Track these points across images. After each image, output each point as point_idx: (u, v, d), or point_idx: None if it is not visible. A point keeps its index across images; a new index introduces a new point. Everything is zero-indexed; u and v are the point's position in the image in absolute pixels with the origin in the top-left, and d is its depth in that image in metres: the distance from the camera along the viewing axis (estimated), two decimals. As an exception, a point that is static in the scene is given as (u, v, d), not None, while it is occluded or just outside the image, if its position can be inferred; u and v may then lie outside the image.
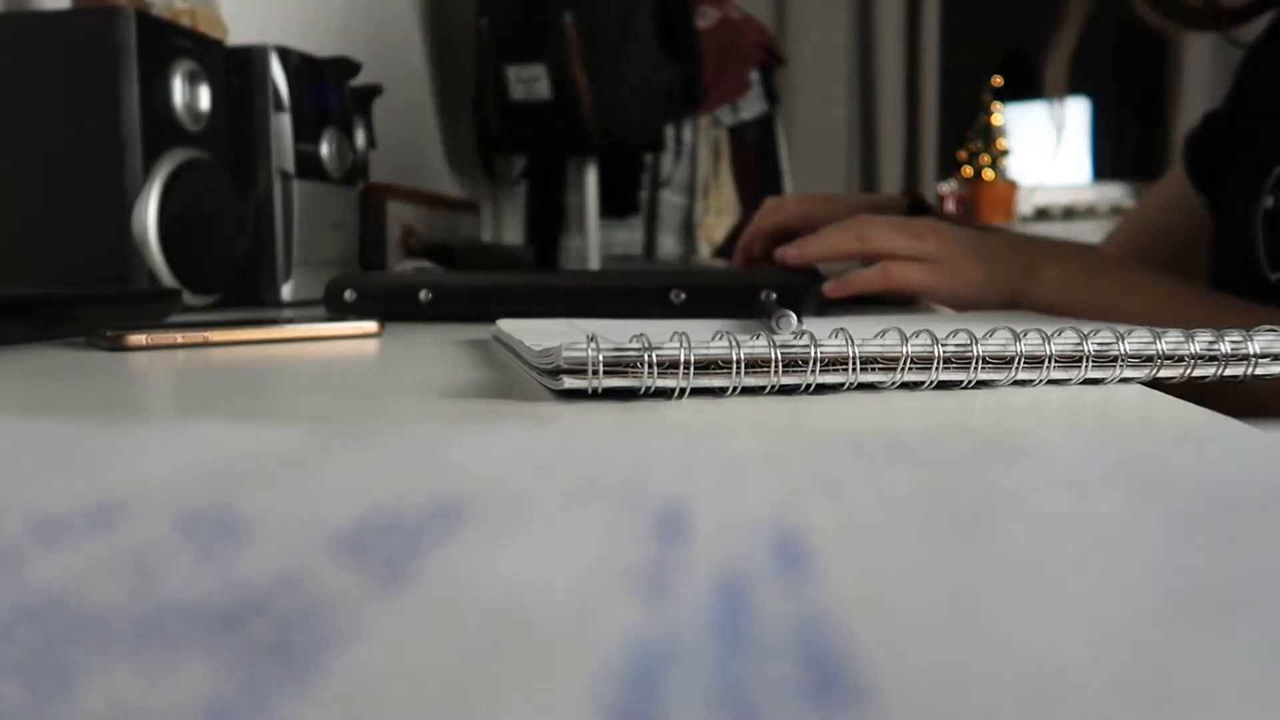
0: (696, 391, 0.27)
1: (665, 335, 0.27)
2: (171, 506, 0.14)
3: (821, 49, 2.72)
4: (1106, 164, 2.86)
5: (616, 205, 1.85)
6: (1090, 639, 0.09)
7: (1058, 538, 0.13)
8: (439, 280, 0.59)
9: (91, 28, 0.66)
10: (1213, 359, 0.30)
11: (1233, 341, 0.30)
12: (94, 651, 0.09)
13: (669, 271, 0.64)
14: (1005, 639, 0.09)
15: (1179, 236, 0.75)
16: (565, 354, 0.26)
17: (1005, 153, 2.79)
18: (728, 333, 0.27)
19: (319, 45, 0.90)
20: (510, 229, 1.96)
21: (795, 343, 0.27)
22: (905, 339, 0.28)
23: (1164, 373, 0.30)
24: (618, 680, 0.08)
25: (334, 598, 0.10)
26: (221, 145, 0.75)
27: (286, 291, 0.82)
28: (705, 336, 0.27)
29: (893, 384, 0.28)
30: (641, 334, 0.27)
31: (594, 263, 1.72)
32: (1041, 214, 2.81)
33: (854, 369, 0.27)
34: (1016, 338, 0.29)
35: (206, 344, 0.42)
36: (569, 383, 0.26)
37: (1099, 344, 0.29)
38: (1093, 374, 0.29)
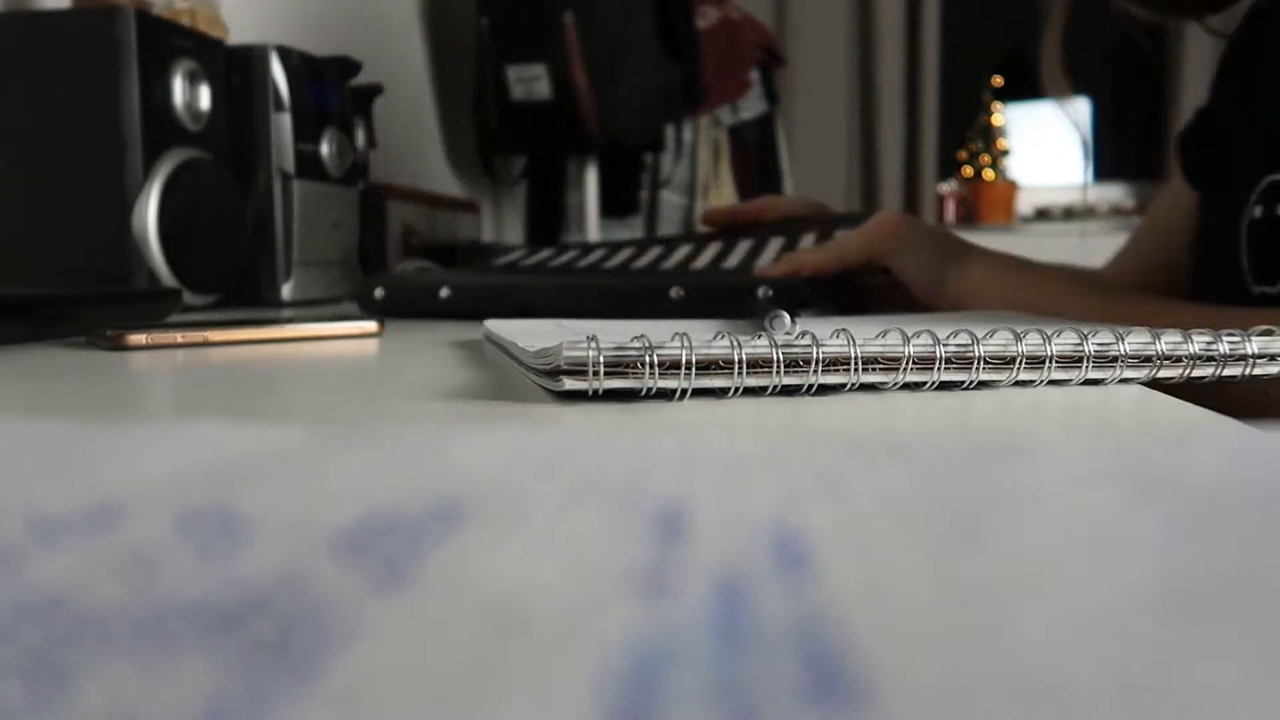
0: (697, 392, 0.27)
1: (665, 335, 0.27)
2: (171, 506, 0.14)
3: (821, 49, 2.72)
4: (1106, 164, 2.86)
5: (616, 205, 1.85)
6: (1090, 639, 0.09)
7: (1057, 538, 0.13)
8: (462, 280, 0.60)
9: (91, 28, 0.66)
10: (1210, 359, 0.30)
11: (1230, 342, 0.30)
12: (94, 651, 0.09)
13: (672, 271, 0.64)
14: (1005, 639, 0.09)
15: (1186, 238, 0.74)
16: (565, 354, 0.26)
17: (1005, 153, 2.79)
18: (729, 333, 0.27)
19: (319, 45, 0.90)
20: (510, 229, 1.96)
21: (797, 343, 0.27)
22: (907, 339, 0.28)
23: (1163, 373, 0.30)
24: (618, 680, 0.08)
25: (334, 598, 0.10)
26: (221, 145, 0.75)
27: (286, 291, 0.82)
28: (706, 337, 0.27)
29: (894, 385, 0.28)
30: (642, 334, 0.27)
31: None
32: (1042, 214, 2.81)
33: (856, 369, 0.27)
34: (1018, 338, 0.29)
35: (206, 344, 0.42)
36: (569, 384, 0.26)
37: (1099, 344, 0.29)
38: (1093, 374, 0.29)
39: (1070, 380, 0.30)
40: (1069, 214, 2.75)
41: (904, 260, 0.62)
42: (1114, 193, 2.80)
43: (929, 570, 0.11)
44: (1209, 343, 0.30)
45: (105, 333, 0.41)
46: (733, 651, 0.09)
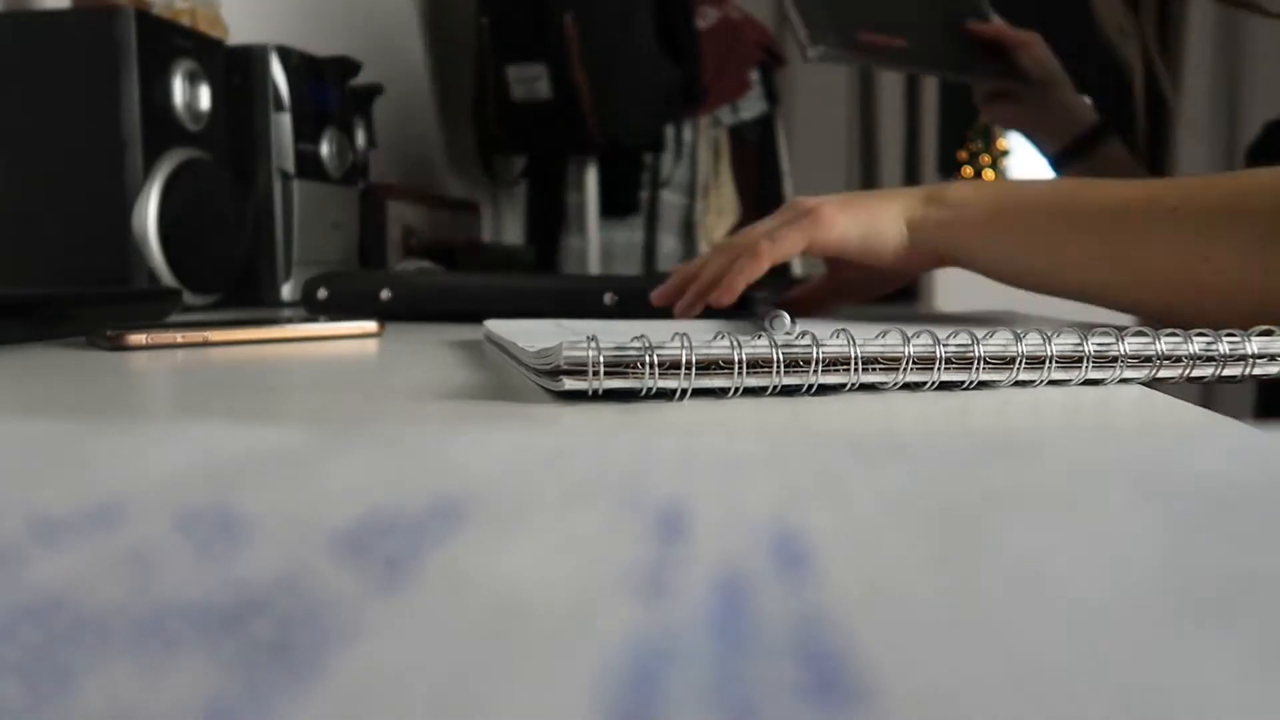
0: (697, 393, 0.27)
1: (665, 335, 0.27)
2: (171, 506, 0.14)
3: (821, 49, 2.72)
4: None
5: (616, 205, 1.85)
6: (1090, 639, 0.09)
7: (1057, 538, 0.13)
8: (404, 280, 0.60)
9: (91, 28, 0.66)
10: (1210, 359, 0.30)
11: (1230, 342, 0.30)
12: (94, 651, 0.09)
13: (606, 276, 0.65)
14: (1005, 639, 0.09)
15: None
16: (565, 354, 0.26)
17: (1005, 153, 2.79)
18: (729, 333, 0.27)
19: (319, 45, 0.90)
20: (510, 229, 1.96)
21: (797, 343, 0.27)
22: (907, 339, 0.28)
23: (1163, 373, 0.30)
24: (618, 680, 0.08)
25: (334, 598, 0.10)
26: (221, 145, 0.75)
27: (286, 291, 0.82)
28: (706, 337, 0.27)
29: (895, 385, 0.28)
30: (642, 334, 0.27)
31: (594, 262, 1.72)
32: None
33: (856, 369, 0.27)
34: (1018, 338, 0.29)
35: (206, 344, 0.42)
36: (569, 384, 0.26)
37: (1099, 344, 0.29)
38: (1093, 374, 0.29)
39: (1070, 380, 0.30)
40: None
41: (846, 249, 0.55)
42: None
43: (929, 570, 0.11)
44: (1209, 343, 0.30)
45: (105, 333, 0.41)
46: (732, 651, 0.09)
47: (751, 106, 2.09)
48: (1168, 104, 0.78)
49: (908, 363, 0.28)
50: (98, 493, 0.15)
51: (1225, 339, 0.30)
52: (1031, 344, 0.29)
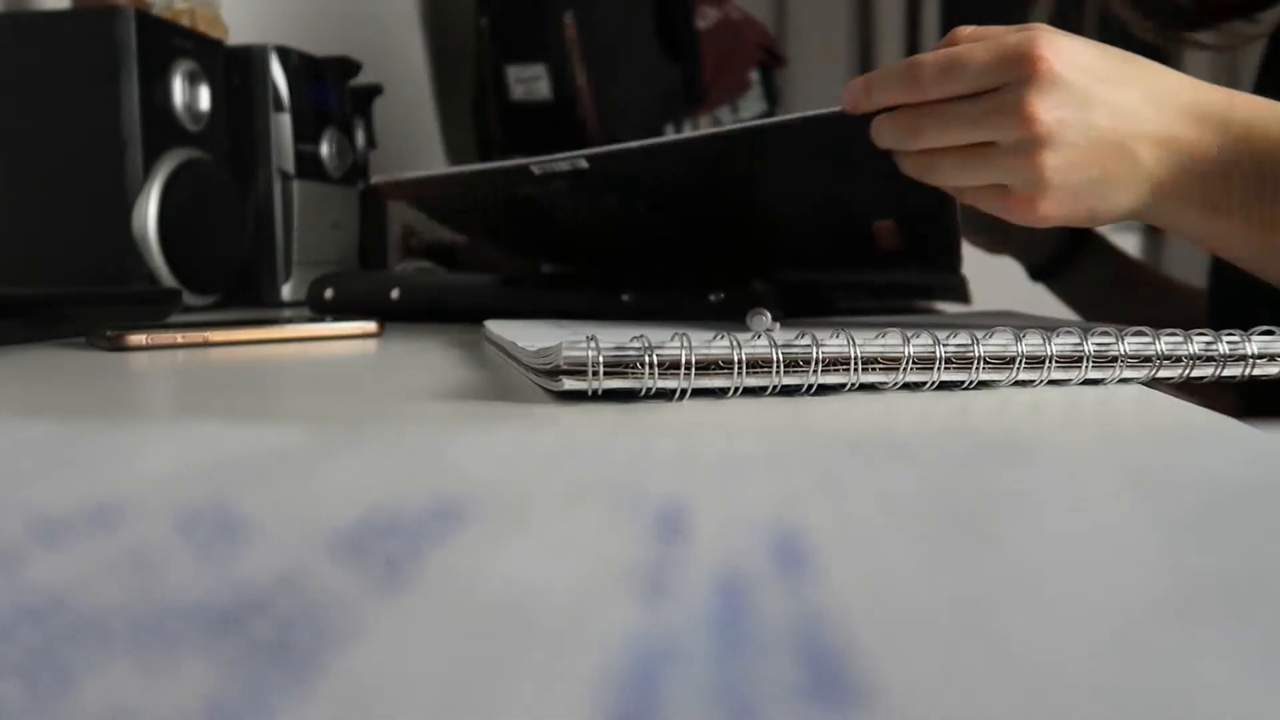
0: (696, 393, 0.27)
1: (665, 335, 0.27)
2: (171, 506, 0.14)
3: (821, 49, 2.72)
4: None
5: (616, 205, 1.85)
6: (1090, 638, 0.09)
7: (1058, 537, 0.13)
8: (412, 280, 0.60)
9: (91, 28, 0.66)
10: (1210, 359, 0.30)
11: (1230, 342, 0.30)
12: (94, 651, 0.09)
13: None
14: (1005, 639, 0.09)
15: None
16: (565, 354, 0.26)
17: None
18: (729, 333, 0.27)
19: (319, 45, 0.90)
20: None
21: (797, 343, 0.27)
22: (907, 339, 0.28)
23: (1163, 373, 0.30)
24: (618, 680, 0.08)
25: (334, 598, 0.10)
26: (221, 145, 0.75)
27: (286, 291, 0.82)
28: (705, 337, 0.27)
29: (895, 385, 0.28)
30: (642, 335, 0.27)
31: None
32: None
33: (856, 369, 0.27)
34: (1017, 338, 0.29)
35: (206, 344, 0.42)
36: (568, 384, 0.26)
37: (1098, 344, 0.29)
38: (1093, 374, 0.29)
39: (1070, 380, 0.30)
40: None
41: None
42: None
43: (929, 570, 0.11)
44: (1209, 343, 0.30)
45: (105, 333, 0.41)
46: (732, 651, 0.09)
47: (751, 106, 2.09)
48: None
49: (908, 363, 0.28)
50: (98, 493, 0.15)
51: (1225, 339, 0.30)
52: (1031, 344, 0.29)
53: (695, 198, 0.55)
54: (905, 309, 0.65)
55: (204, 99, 0.73)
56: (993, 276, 0.80)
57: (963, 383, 0.29)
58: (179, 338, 0.42)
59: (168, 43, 0.69)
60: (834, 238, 0.58)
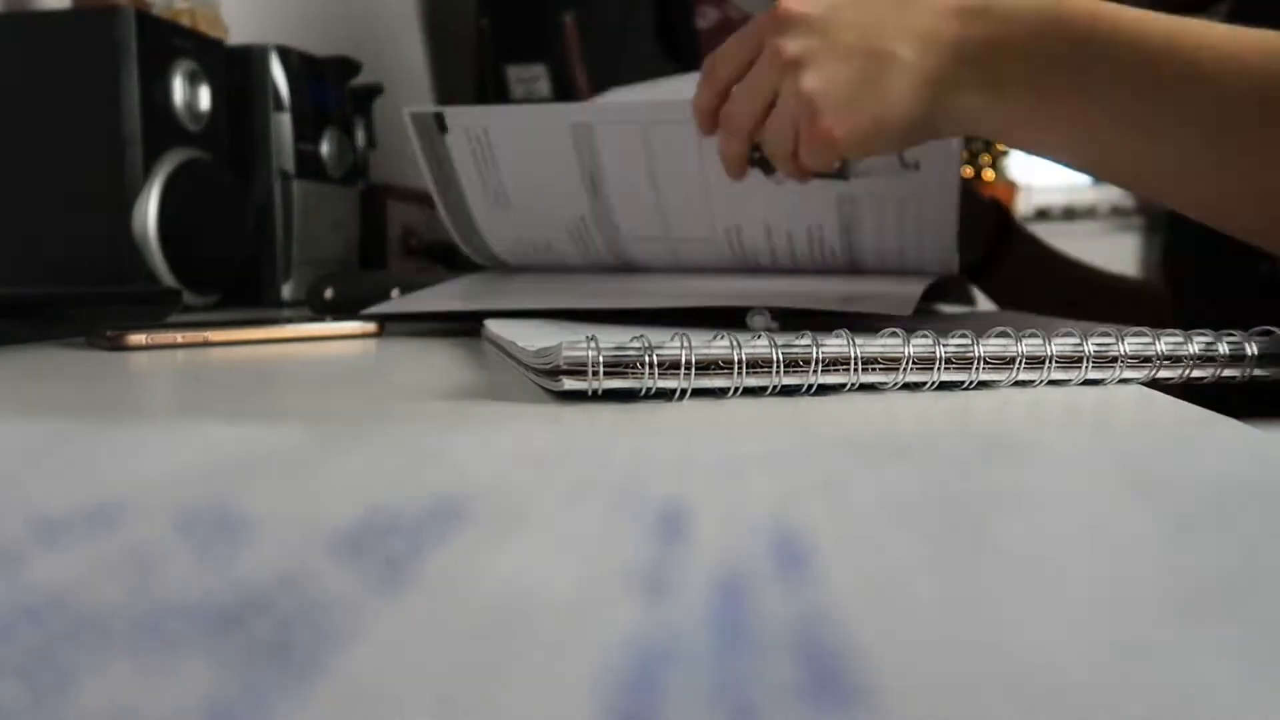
0: (697, 392, 0.27)
1: (665, 335, 0.27)
2: (171, 506, 0.14)
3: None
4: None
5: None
6: (1090, 638, 0.09)
7: (1057, 537, 0.13)
8: (413, 281, 0.59)
9: (91, 28, 0.66)
10: (1210, 360, 0.30)
11: (1230, 343, 0.30)
12: (94, 651, 0.09)
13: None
14: (1004, 638, 0.09)
15: None
16: (565, 354, 0.26)
17: (1006, 152, 2.79)
18: (729, 333, 0.27)
19: (319, 45, 0.90)
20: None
21: (797, 342, 0.27)
22: (907, 339, 0.28)
23: (1162, 374, 0.30)
24: (618, 680, 0.08)
25: (334, 598, 0.10)
26: (221, 145, 0.75)
27: (286, 291, 0.82)
28: (705, 337, 0.27)
29: (895, 385, 0.28)
30: (642, 334, 0.27)
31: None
32: (1041, 214, 2.81)
33: (856, 369, 0.27)
34: (1016, 339, 0.29)
35: (206, 344, 0.42)
36: (568, 384, 0.26)
37: (1098, 344, 0.29)
38: (1092, 374, 0.29)
39: (1070, 380, 0.30)
40: (1069, 214, 2.75)
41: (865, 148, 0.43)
42: (1114, 193, 2.80)
43: (929, 570, 0.11)
44: (1209, 343, 0.30)
45: (105, 333, 0.41)
46: (732, 651, 0.09)
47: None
48: None
49: (908, 363, 0.28)
50: (98, 493, 0.15)
51: (1225, 340, 0.30)
52: (1031, 344, 0.29)
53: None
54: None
55: (204, 99, 0.73)
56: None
57: (963, 383, 0.29)
58: (179, 338, 0.42)
59: (168, 43, 0.69)
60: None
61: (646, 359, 0.26)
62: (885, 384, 0.28)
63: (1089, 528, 0.13)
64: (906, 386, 0.29)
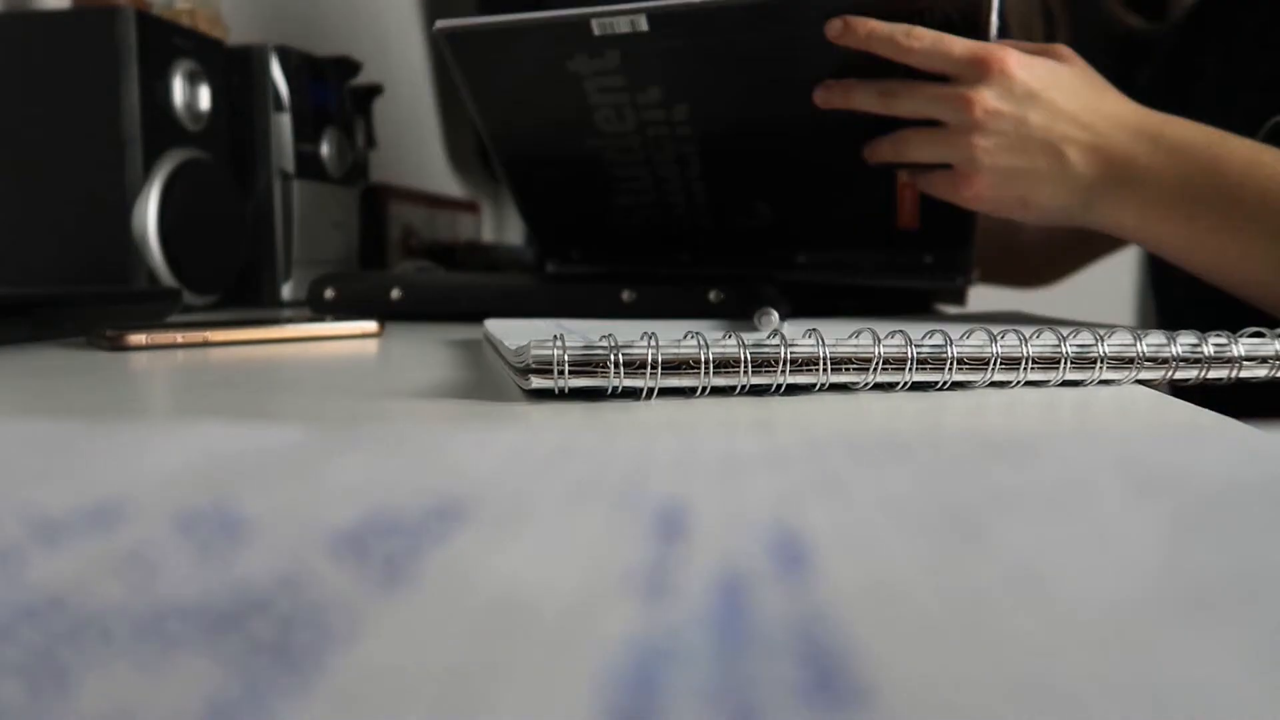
0: (666, 392, 0.27)
1: (634, 334, 0.27)
2: (171, 506, 0.14)
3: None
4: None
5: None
6: (1089, 638, 0.09)
7: (1058, 537, 0.13)
8: (413, 280, 0.59)
9: (91, 28, 0.66)
10: (1196, 361, 0.30)
11: (1216, 344, 0.30)
12: (94, 651, 0.09)
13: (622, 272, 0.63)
14: (1003, 638, 0.09)
15: None
16: (533, 353, 0.26)
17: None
18: (697, 333, 0.27)
19: (319, 45, 0.90)
20: (510, 229, 1.96)
21: (766, 343, 0.27)
22: (877, 339, 0.28)
23: (1144, 375, 0.30)
24: (618, 680, 0.08)
25: (334, 598, 0.10)
26: (221, 145, 0.75)
27: (286, 291, 0.82)
28: (676, 336, 0.27)
29: (865, 385, 0.28)
30: (609, 334, 0.27)
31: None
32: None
33: (825, 370, 0.27)
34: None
35: (206, 344, 0.42)
36: (536, 382, 0.26)
37: (1078, 345, 0.29)
38: (1071, 375, 0.29)
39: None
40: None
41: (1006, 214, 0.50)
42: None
43: (929, 570, 0.11)
44: (1193, 345, 0.30)
45: (105, 333, 0.41)
46: (732, 651, 0.09)
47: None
48: None
49: (912, 364, 0.28)
50: (98, 493, 0.15)
51: (1211, 341, 0.30)
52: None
53: (745, 100, 0.56)
54: (907, 310, 0.65)
55: (204, 99, 0.73)
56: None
57: (936, 383, 0.29)
58: (179, 338, 0.42)
59: (168, 43, 0.69)
60: (861, 196, 0.57)
61: (613, 358, 0.26)
62: (856, 384, 0.28)
63: (1089, 527, 0.13)
64: (879, 387, 0.29)
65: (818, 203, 0.61)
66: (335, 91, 0.88)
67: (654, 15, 0.52)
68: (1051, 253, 0.80)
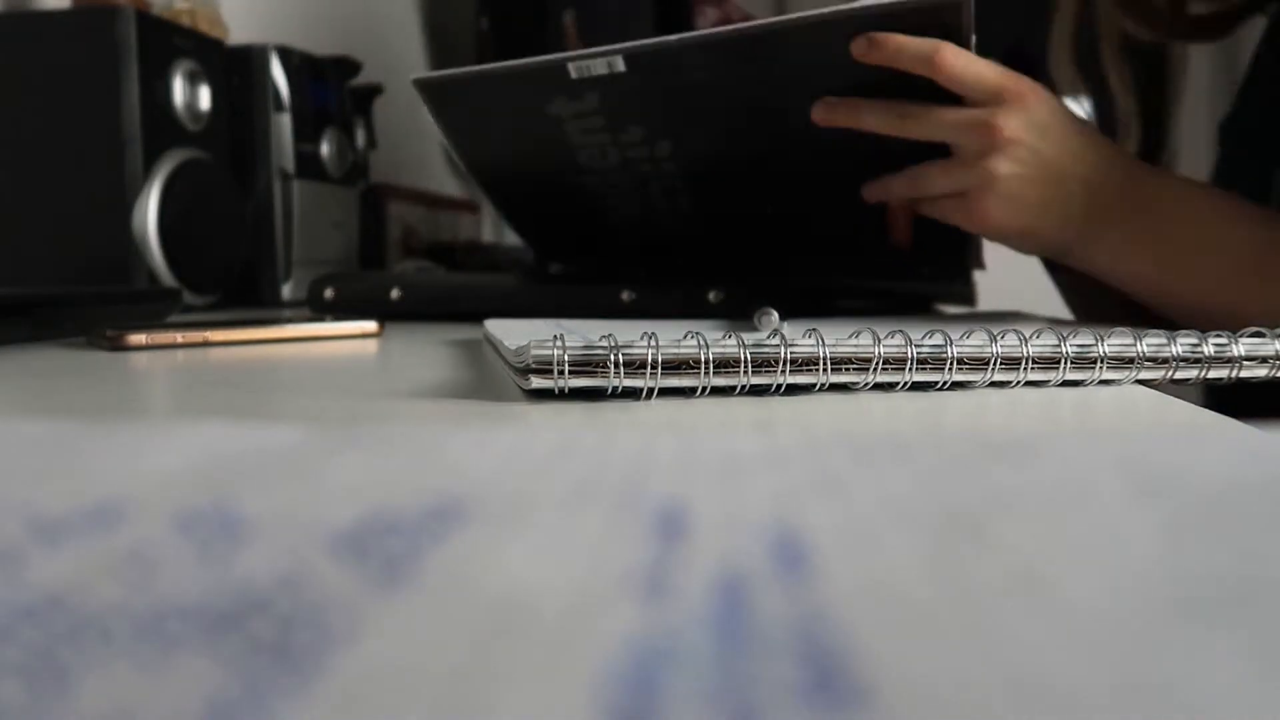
0: (665, 392, 0.27)
1: (634, 334, 0.27)
2: (171, 506, 0.14)
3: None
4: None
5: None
6: (1090, 639, 0.09)
7: (1058, 537, 0.13)
8: (413, 280, 0.59)
9: (91, 28, 0.66)
10: (1196, 361, 0.30)
11: (1216, 344, 0.30)
12: (94, 651, 0.09)
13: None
14: (1003, 638, 0.09)
15: None
16: (533, 353, 0.26)
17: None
18: (697, 333, 0.27)
19: (319, 45, 0.90)
20: (510, 229, 1.96)
21: (766, 343, 0.27)
22: (877, 339, 0.28)
23: (1145, 375, 0.30)
24: (618, 680, 0.08)
25: (334, 598, 0.10)
26: (221, 145, 0.75)
27: (286, 291, 0.82)
28: (676, 336, 0.27)
29: (865, 385, 0.28)
30: (609, 334, 0.27)
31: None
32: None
33: (825, 370, 0.27)
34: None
35: (206, 344, 0.42)
36: (536, 382, 0.26)
37: (1078, 345, 0.29)
38: (1071, 375, 0.29)
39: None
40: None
41: (1000, 239, 0.51)
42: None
43: (929, 570, 0.11)
44: (1193, 344, 0.30)
45: (105, 333, 0.41)
46: (732, 651, 0.09)
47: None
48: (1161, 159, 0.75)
49: (912, 364, 0.28)
50: (98, 493, 0.15)
51: (1211, 341, 0.30)
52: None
53: (729, 132, 0.55)
54: (908, 310, 0.64)
55: (204, 99, 0.73)
56: (999, 276, 0.80)
57: (936, 384, 0.29)
58: (179, 338, 0.42)
59: (168, 43, 0.69)
60: (852, 218, 0.57)
61: (613, 358, 0.26)
62: (856, 384, 0.28)
63: (1089, 528, 0.13)
64: (879, 387, 0.29)
65: (808, 226, 0.61)
66: (335, 91, 0.88)
67: (630, 55, 0.51)
68: None
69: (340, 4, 1.36)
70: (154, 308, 0.53)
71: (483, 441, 0.19)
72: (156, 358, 0.38)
